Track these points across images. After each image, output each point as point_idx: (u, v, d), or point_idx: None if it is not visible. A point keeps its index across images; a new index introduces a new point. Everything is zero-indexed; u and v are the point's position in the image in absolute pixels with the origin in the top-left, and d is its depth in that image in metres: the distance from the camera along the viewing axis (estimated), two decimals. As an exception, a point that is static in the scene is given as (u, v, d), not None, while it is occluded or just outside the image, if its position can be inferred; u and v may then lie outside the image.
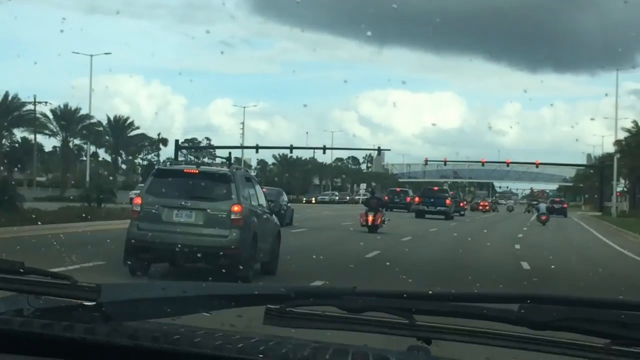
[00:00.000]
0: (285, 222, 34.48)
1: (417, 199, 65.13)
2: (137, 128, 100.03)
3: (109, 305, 2.13)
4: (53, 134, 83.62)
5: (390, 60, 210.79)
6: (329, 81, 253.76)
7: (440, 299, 2.13)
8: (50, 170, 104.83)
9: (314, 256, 20.60)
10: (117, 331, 2.04)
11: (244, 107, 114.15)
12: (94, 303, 2.13)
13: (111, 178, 79.06)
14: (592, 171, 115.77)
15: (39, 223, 26.13)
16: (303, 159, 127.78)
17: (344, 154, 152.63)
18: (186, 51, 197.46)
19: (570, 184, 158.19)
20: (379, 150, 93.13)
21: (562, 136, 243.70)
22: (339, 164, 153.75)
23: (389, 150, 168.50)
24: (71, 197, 49.07)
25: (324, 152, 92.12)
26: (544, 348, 1.97)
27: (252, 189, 17.18)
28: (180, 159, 70.25)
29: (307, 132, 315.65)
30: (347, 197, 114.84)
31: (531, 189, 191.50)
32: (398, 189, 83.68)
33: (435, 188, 69.31)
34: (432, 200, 61.56)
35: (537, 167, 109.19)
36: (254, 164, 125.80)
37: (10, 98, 79.27)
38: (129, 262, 15.48)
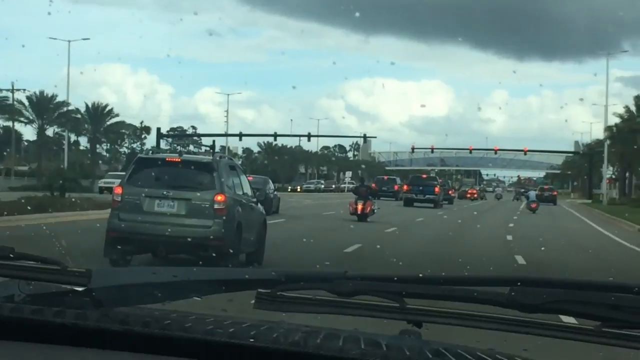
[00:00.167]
0: (272, 211, 34.50)
1: (405, 187, 65.07)
2: (117, 115, 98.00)
3: (100, 291, 2.13)
4: (29, 122, 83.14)
5: (377, 49, 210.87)
6: (316, 69, 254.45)
7: (431, 282, 2.14)
8: (32, 160, 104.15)
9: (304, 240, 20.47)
10: (108, 316, 2.04)
11: (228, 95, 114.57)
12: (85, 288, 2.13)
13: (81, 166, 77.61)
14: (580, 157, 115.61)
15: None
16: (289, 147, 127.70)
17: (330, 142, 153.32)
18: (173, 40, 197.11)
19: (558, 172, 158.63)
20: (365, 137, 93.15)
21: (550, 124, 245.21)
22: (326, 152, 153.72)
23: (375, 137, 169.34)
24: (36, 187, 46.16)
25: (309, 140, 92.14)
26: (534, 330, 1.98)
27: (236, 178, 16.90)
28: (167, 147, 70.00)
29: (291, 120, 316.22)
30: (333, 186, 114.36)
31: (518, 176, 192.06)
32: (386, 177, 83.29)
33: (424, 176, 69.00)
34: (420, 188, 61.50)
35: (525, 154, 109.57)
36: (240, 152, 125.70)
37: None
38: (110, 255, 15.01)
